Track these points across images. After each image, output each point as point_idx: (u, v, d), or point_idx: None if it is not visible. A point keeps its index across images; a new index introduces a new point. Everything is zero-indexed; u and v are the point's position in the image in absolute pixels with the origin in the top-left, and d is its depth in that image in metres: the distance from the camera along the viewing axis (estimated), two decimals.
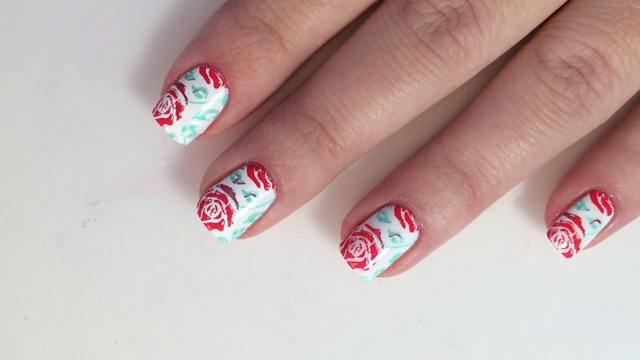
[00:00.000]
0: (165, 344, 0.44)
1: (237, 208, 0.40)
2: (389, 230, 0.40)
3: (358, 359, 0.44)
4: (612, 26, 0.40)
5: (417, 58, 0.40)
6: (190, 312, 0.44)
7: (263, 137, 0.41)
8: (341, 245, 0.41)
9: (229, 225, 0.40)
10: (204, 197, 0.40)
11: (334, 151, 0.40)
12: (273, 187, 0.40)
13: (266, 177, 0.40)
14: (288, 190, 0.41)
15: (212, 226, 0.40)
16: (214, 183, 0.41)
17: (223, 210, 0.40)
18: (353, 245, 0.41)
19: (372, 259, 0.40)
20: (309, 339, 0.44)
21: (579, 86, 0.40)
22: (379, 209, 0.41)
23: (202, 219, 0.40)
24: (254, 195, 0.40)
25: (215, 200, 0.40)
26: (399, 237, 0.40)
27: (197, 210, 0.40)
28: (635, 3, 0.40)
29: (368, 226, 0.41)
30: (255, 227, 0.41)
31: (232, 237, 0.41)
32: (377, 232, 0.40)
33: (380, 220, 0.40)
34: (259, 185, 0.40)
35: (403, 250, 0.40)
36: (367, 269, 0.40)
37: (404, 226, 0.40)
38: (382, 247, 0.40)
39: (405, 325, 0.44)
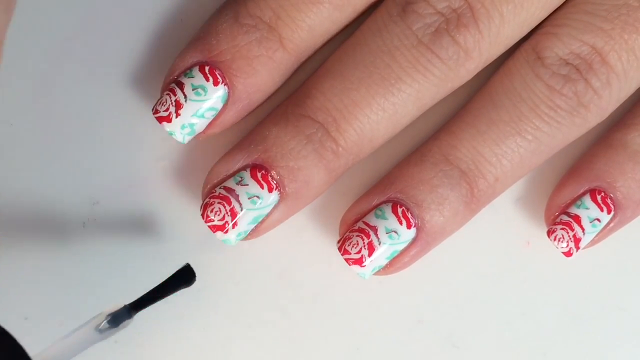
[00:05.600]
0: (165, 344, 0.44)
1: (241, 210, 0.40)
2: (386, 227, 0.40)
3: (358, 359, 0.44)
4: (609, 23, 0.40)
5: (417, 59, 0.40)
6: (191, 312, 0.43)
7: (266, 139, 0.41)
8: (338, 242, 0.41)
9: (233, 227, 0.40)
10: (207, 199, 0.41)
11: (336, 152, 0.40)
12: (276, 188, 0.40)
13: (269, 178, 0.40)
14: (291, 191, 0.41)
15: (216, 228, 0.40)
16: (216, 185, 0.41)
17: (227, 213, 0.40)
18: (350, 242, 0.41)
19: (369, 256, 0.40)
20: (309, 339, 0.44)
21: (577, 83, 0.40)
22: (376, 206, 0.41)
23: (206, 222, 0.40)
24: (258, 197, 0.40)
25: (219, 203, 0.40)
26: (396, 234, 0.40)
27: (200, 213, 0.40)
28: (633, 0, 0.40)
29: (365, 223, 0.41)
30: (258, 228, 0.41)
31: (236, 239, 0.41)
32: (374, 229, 0.40)
33: (378, 217, 0.40)
34: (262, 187, 0.40)
35: (400, 247, 0.41)
36: (364, 265, 0.40)
37: (401, 223, 0.40)
38: (379, 244, 0.40)
39: (405, 325, 0.44)
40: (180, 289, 0.38)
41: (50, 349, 0.36)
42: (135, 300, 0.37)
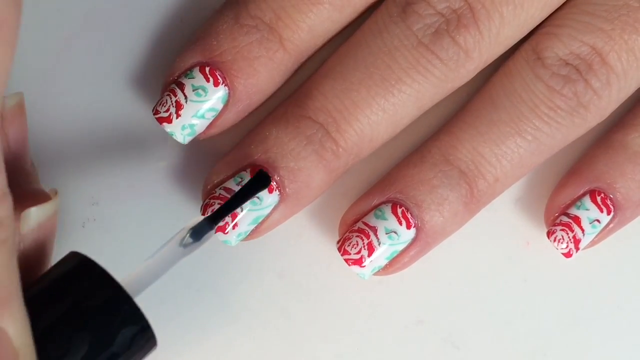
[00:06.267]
0: (165, 344, 0.43)
1: (241, 210, 0.40)
2: (385, 228, 0.40)
3: (358, 359, 0.44)
4: (610, 23, 0.40)
5: (417, 59, 0.40)
6: (190, 312, 0.43)
7: (266, 140, 0.41)
8: (338, 242, 0.41)
9: (234, 228, 0.40)
10: (208, 199, 0.41)
11: (336, 152, 0.40)
12: (277, 189, 0.40)
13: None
14: (292, 192, 0.41)
15: (216, 229, 0.40)
16: (216, 186, 0.41)
17: None
18: (350, 243, 0.41)
19: (368, 256, 0.40)
20: (309, 339, 0.44)
21: (577, 83, 0.40)
22: (376, 207, 0.41)
23: None
24: (258, 198, 0.40)
25: (219, 203, 0.40)
26: (395, 235, 0.40)
27: (200, 213, 0.40)
28: (633, 0, 0.40)
29: (365, 223, 0.41)
30: (259, 229, 0.41)
31: (237, 240, 0.41)
32: (374, 230, 0.40)
33: (377, 217, 0.41)
34: None
35: (400, 247, 0.41)
36: (364, 266, 0.40)
37: (400, 224, 0.40)
38: (379, 244, 0.40)
39: (405, 325, 0.44)
40: (256, 193, 0.38)
41: (138, 269, 0.36)
42: (214, 212, 0.37)
